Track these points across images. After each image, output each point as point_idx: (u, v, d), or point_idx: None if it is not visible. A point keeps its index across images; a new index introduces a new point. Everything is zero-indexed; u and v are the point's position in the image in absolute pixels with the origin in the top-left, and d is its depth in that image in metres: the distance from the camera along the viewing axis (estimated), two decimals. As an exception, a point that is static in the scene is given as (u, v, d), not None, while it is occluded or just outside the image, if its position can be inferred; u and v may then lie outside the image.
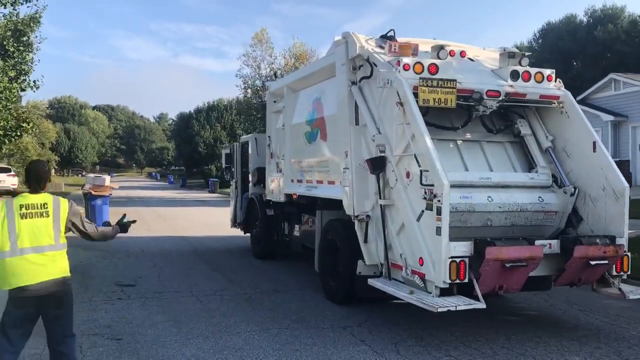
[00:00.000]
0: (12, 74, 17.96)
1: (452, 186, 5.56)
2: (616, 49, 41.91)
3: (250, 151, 12.16)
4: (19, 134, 20.18)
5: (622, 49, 41.19)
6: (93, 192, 16.16)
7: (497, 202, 6.24)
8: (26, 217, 3.95)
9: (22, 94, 19.60)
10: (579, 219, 6.60)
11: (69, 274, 4.09)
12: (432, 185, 5.48)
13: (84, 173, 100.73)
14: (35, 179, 4.14)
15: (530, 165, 6.93)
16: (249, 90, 33.40)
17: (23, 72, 19.05)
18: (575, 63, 47.25)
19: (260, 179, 11.33)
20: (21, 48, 18.36)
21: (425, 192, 5.57)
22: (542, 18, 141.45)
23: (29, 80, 19.53)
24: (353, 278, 6.90)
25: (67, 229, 4.19)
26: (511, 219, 6.36)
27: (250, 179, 12.10)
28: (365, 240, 6.71)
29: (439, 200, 5.38)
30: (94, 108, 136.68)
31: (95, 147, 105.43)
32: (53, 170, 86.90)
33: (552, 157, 6.87)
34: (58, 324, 4.08)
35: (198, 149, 59.88)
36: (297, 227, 9.88)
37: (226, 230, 14.90)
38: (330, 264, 7.70)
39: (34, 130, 22.11)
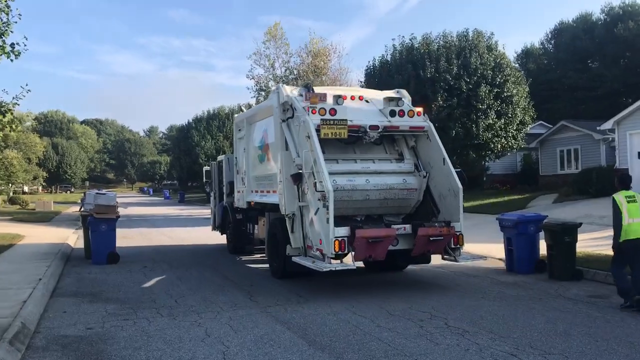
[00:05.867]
0: None
1: (342, 173, 9.65)
2: (638, 48, 41.25)
3: (224, 168, 15.67)
4: None
5: (646, 47, 40.28)
6: (96, 215, 13.22)
7: (373, 183, 9.98)
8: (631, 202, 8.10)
9: None
10: (438, 210, 10.09)
11: None
12: (323, 191, 8.83)
13: (72, 189, 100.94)
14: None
15: (401, 158, 10.75)
16: (262, 93, 31.65)
17: None
18: (591, 64, 47.03)
19: (232, 191, 14.80)
20: None
21: (320, 196, 8.91)
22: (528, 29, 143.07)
23: (4, 44, 13.28)
24: (285, 258, 10.23)
25: None
26: (384, 195, 10.13)
27: (224, 190, 15.54)
28: (292, 231, 10.15)
29: (327, 201, 8.73)
30: (82, 122, 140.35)
31: (85, 162, 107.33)
32: (40, 187, 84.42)
33: (415, 152, 10.72)
34: None
35: (199, 161, 57.75)
36: (256, 226, 13.29)
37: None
38: (274, 250, 11.06)
39: (13, 127, 14.97)
